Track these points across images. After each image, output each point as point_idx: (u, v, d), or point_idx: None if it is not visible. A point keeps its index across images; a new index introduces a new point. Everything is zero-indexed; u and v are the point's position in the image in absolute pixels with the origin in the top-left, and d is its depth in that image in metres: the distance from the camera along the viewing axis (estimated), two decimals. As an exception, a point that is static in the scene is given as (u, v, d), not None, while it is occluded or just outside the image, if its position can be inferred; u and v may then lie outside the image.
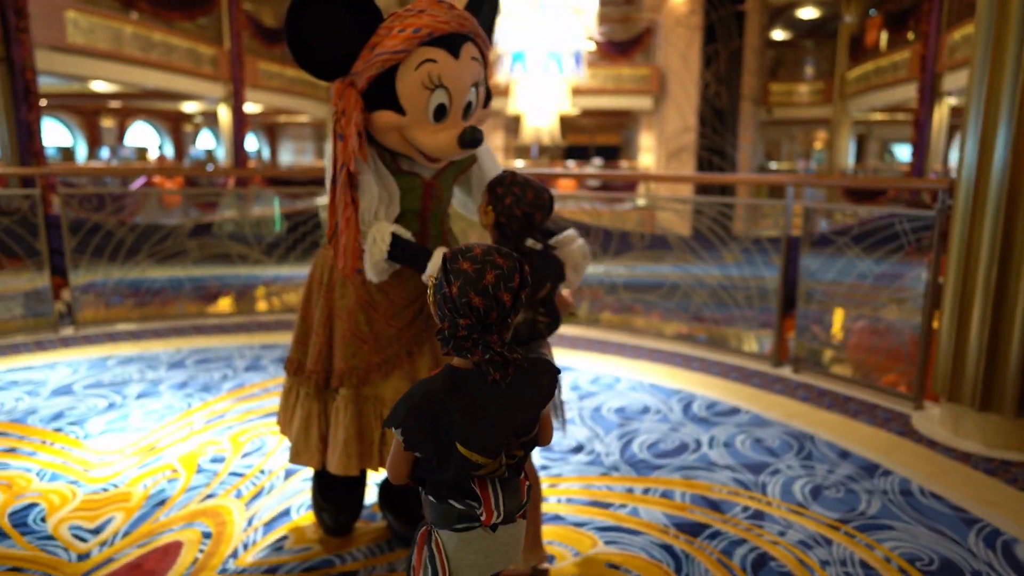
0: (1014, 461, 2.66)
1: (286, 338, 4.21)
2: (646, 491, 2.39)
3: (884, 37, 16.89)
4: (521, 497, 1.19)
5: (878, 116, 20.25)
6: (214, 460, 2.56)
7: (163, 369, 3.61)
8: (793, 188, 3.59)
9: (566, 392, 3.33)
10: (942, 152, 14.23)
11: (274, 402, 3.15)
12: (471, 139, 1.58)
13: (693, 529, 2.14)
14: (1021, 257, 2.64)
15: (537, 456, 2.63)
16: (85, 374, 3.51)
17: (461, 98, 1.61)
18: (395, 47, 1.52)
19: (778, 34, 22.17)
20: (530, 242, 1.68)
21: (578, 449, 2.73)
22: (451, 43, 1.56)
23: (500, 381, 1.09)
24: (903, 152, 22.99)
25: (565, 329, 4.21)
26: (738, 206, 7.24)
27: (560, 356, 3.48)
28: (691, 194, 14.54)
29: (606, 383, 3.52)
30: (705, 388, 3.47)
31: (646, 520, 2.19)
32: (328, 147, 1.65)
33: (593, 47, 13.12)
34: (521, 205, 1.62)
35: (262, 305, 4.96)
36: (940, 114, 13.76)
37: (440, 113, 1.59)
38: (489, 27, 1.79)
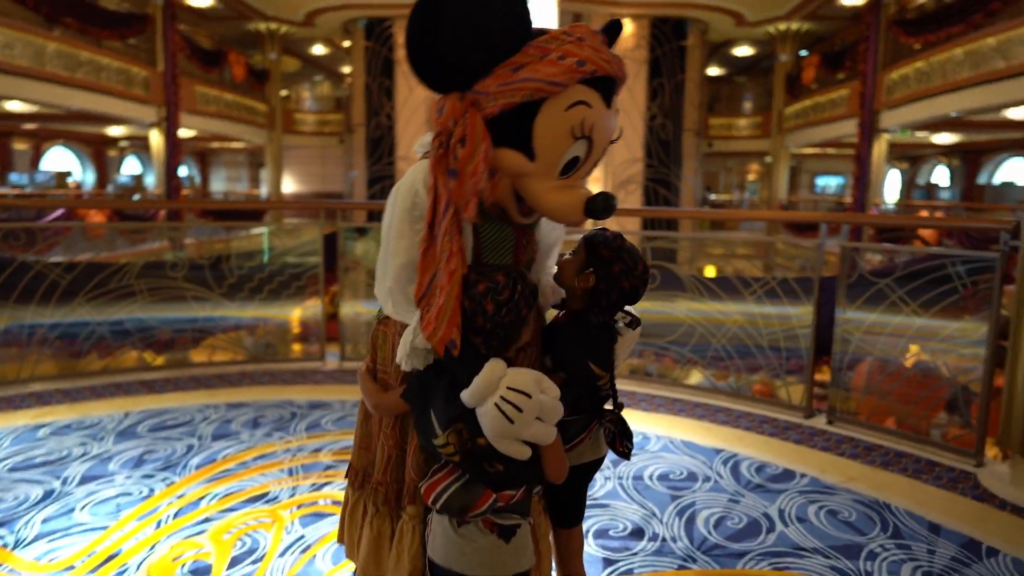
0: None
1: (255, 395, 3.64)
2: (738, 590, 2.00)
3: (820, 75, 17.52)
4: None
5: (809, 150, 21.01)
6: (195, 571, 2.01)
7: (110, 440, 2.99)
8: (826, 227, 3.34)
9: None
10: (880, 186, 14.76)
11: (258, 480, 2.62)
12: (603, 207, 1.21)
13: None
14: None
15: (593, 545, 2.22)
16: (10, 450, 2.86)
17: (598, 156, 1.24)
18: (552, 77, 1.14)
19: (713, 70, 22.85)
20: (619, 318, 1.47)
21: (638, 534, 2.31)
22: (607, 88, 1.20)
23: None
24: (830, 184, 24.11)
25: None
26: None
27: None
28: (638, 227, 14.44)
29: (636, 442, 3.13)
30: (743, 445, 3.13)
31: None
32: (352, 175, 1.24)
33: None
34: (631, 278, 1.38)
35: (221, 355, 4.34)
36: (879, 150, 14.28)
37: (569, 167, 1.22)
38: None
